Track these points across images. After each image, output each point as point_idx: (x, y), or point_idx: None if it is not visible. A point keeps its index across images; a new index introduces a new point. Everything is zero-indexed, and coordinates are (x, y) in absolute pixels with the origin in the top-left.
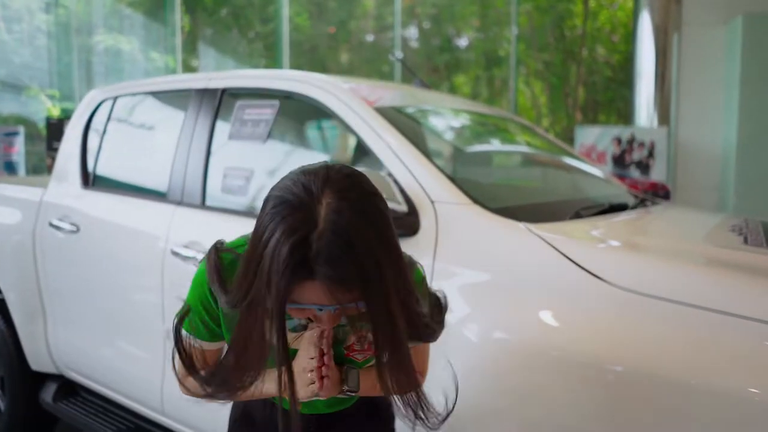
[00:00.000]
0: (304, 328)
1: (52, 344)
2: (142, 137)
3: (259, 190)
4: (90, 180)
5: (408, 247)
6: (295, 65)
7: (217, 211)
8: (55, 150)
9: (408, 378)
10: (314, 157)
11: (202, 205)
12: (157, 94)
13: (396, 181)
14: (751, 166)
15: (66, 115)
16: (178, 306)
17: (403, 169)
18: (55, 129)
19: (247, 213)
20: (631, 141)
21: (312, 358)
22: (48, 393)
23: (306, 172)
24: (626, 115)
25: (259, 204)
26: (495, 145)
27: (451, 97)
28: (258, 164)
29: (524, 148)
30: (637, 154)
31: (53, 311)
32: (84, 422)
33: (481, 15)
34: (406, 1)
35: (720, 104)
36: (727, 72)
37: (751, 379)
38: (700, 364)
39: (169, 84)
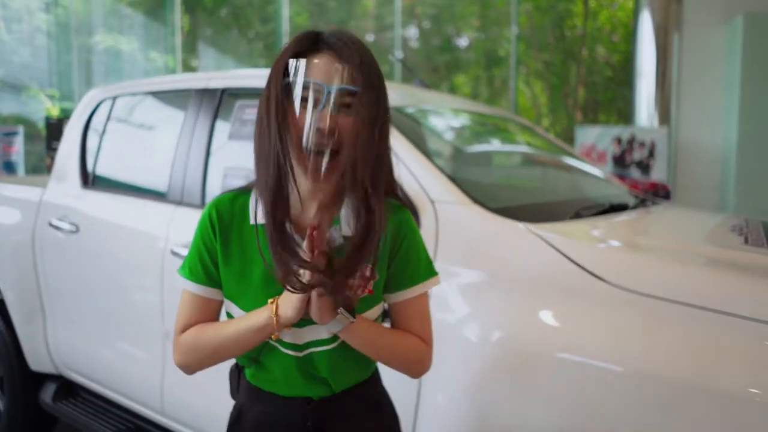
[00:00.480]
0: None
1: (52, 344)
2: (142, 137)
3: None
4: (89, 180)
5: None
6: None
7: None
8: (55, 150)
9: (370, 175)
10: None
11: (202, 205)
12: (157, 94)
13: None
14: (751, 166)
15: (65, 115)
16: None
17: (403, 169)
18: (55, 129)
19: None
20: (631, 141)
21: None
22: (47, 393)
23: None
24: (626, 115)
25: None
26: (495, 145)
27: (451, 96)
28: None
29: (524, 148)
30: (638, 154)
31: (53, 311)
32: (83, 422)
33: (481, 15)
34: (406, 1)
35: (720, 104)
36: (727, 72)
37: (752, 379)
38: (700, 364)
39: (168, 84)
